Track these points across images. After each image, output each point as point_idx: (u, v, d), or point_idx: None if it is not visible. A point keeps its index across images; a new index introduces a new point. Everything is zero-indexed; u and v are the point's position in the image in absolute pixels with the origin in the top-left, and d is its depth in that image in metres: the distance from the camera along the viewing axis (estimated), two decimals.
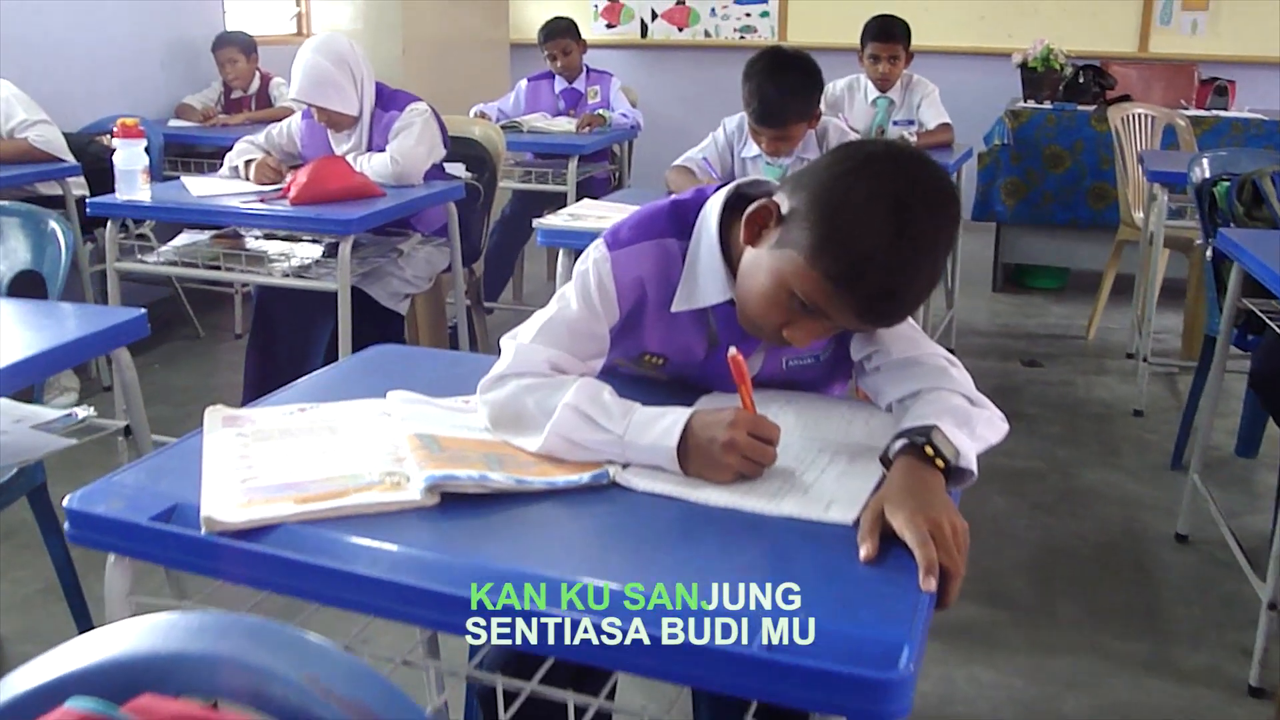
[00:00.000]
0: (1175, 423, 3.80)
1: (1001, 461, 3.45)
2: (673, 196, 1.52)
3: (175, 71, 5.37)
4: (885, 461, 1.23)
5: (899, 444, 1.22)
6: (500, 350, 1.42)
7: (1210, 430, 3.08)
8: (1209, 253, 3.21)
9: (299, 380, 1.60)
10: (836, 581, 1.04)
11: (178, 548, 1.12)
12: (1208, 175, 3.29)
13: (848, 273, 1.24)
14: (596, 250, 1.45)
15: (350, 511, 1.16)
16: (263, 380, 3.43)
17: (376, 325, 3.34)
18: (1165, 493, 3.36)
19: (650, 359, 1.53)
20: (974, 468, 1.23)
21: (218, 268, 3.13)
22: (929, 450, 1.19)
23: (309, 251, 3.24)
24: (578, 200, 3.92)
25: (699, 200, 1.48)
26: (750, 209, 1.35)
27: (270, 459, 1.28)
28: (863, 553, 1.08)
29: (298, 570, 1.06)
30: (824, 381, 1.58)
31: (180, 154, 4.87)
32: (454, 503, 1.19)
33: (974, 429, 1.29)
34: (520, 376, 1.36)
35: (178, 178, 3.68)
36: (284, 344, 3.48)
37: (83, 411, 1.98)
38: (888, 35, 4.34)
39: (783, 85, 2.91)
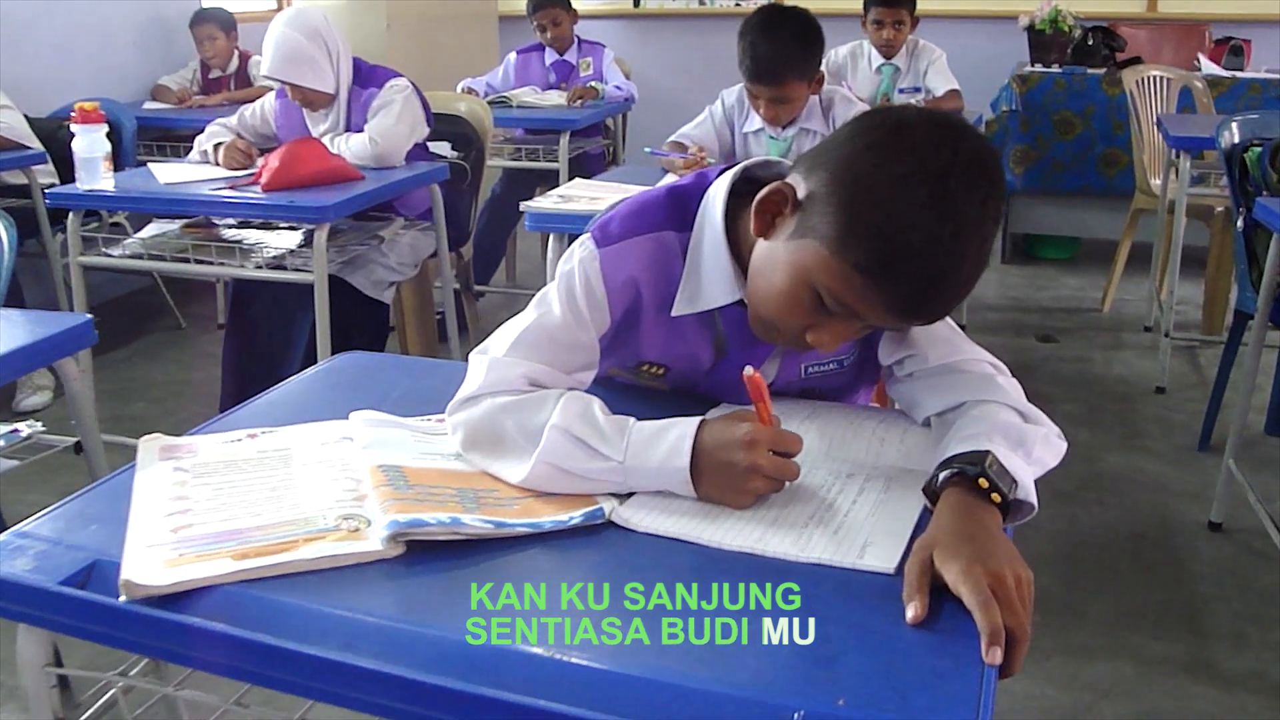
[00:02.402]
0: (1199, 400, 3.63)
1: None
2: (670, 182, 1.33)
3: (150, 51, 5.17)
4: (930, 494, 1.05)
5: (946, 474, 1.03)
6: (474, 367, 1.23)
7: (1245, 414, 2.90)
8: (1240, 223, 3.02)
9: (254, 398, 1.42)
10: (879, 651, 0.86)
11: (92, 617, 0.94)
12: (1238, 140, 3.09)
13: (882, 264, 1.05)
14: (583, 247, 1.26)
15: (299, 568, 0.98)
16: (242, 378, 3.26)
17: (360, 316, 3.17)
18: (1195, 476, 3.19)
19: (649, 369, 1.34)
20: (1034, 499, 1.05)
21: (187, 260, 2.94)
22: (983, 482, 1.01)
23: (287, 240, 3.06)
24: (571, 178, 3.74)
25: (700, 186, 1.29)
26: (761, 195, 1.16)
27: (210, 501, 1.10)
28: (910, 614, 0.90)
29: (229, 647, 0.89)
30: (847, 389, 1.40)
31: (157, 138, 4.67)
32: (422, 553, 1.01)
33: (1030, 451, 1.11)
34: (495, 395, 1.17)
35: (158, 162, 3.49)
36: (263, 338, 3.30)
37: (27, 428, 1.81)
38: None
39: (778, 40, 2.72)
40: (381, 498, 1.06)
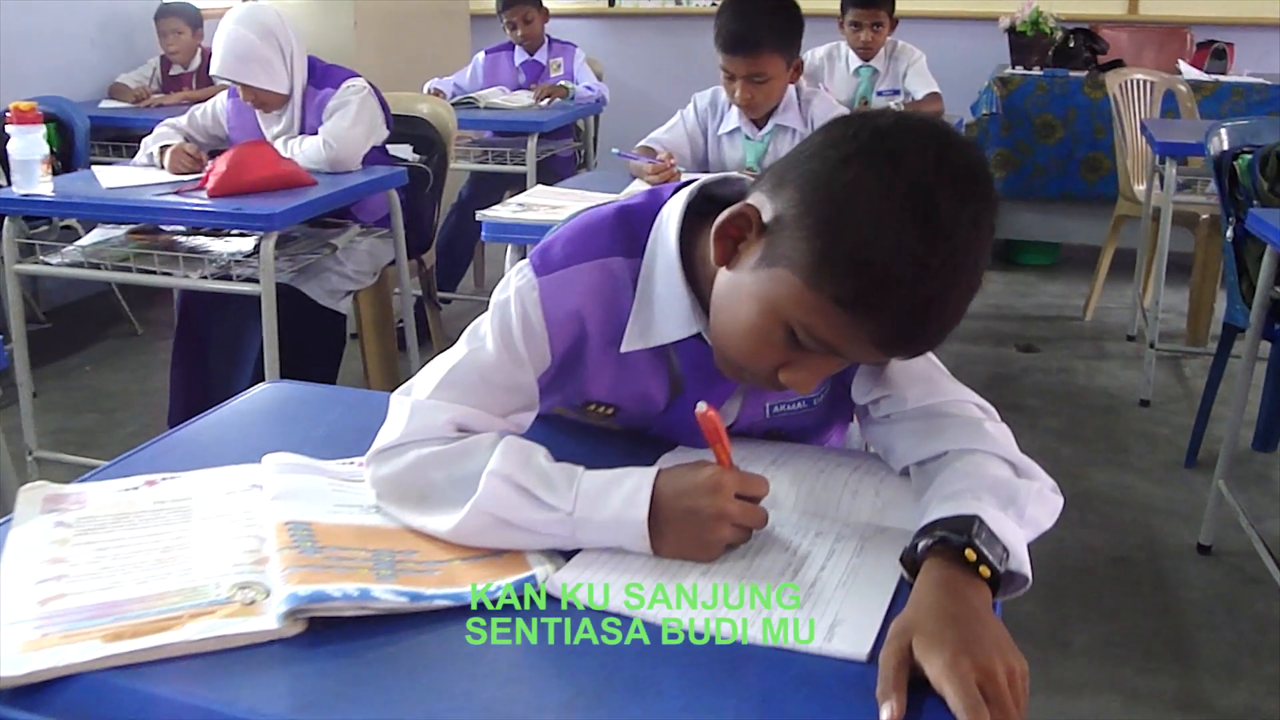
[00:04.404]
0: (1184, 413, 3.53)
1: None
2: (619, 201, 1.19)
3: (109, 48, 5.01)
4: (909, 564, 0.92)
5: (928, 542, 0.91)
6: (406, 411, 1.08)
7: (1237, 431, 2.79)
8: (1230, 233, 2.91)
9: (165, 434, 1.28)
10: None
11: None
12: (1227, 147, 2.98)
13: (864, 295, 0.92)
14: (520, 276, 1.12)
15: (180, 651, 0.85)
16: (190, 395, 3.12)
17: (315, 327, 3.04)
18: (1182, 495, 3.08)
19: (597, 409, 1.21)
20: (1027, 571, 0.93)
21: (129, 269, 2.79)
22: (970, 554, 0.88)
23: (240, 246, 2.91)
24: (539, 182, 3.61)
25: (652, 207, 1.15)
26: (720, 219, 1.02)
27: (90, 565, 0.96)
28: (884, 716, 0.77)
29: None
30: (817, 430, 1.27)
31: (113, 138, 4.51)
32: (326, 630, 0.88)
33: (1023, 511, 0.98)
34: (421, 444, 1.04)
35: (110, 164, 3.34)
36: (214, 349, 3.16)
37: None
38: (870, 0, 4.03)
39: (755, 8, 2.62)
40: (284, 563, 0.93)
